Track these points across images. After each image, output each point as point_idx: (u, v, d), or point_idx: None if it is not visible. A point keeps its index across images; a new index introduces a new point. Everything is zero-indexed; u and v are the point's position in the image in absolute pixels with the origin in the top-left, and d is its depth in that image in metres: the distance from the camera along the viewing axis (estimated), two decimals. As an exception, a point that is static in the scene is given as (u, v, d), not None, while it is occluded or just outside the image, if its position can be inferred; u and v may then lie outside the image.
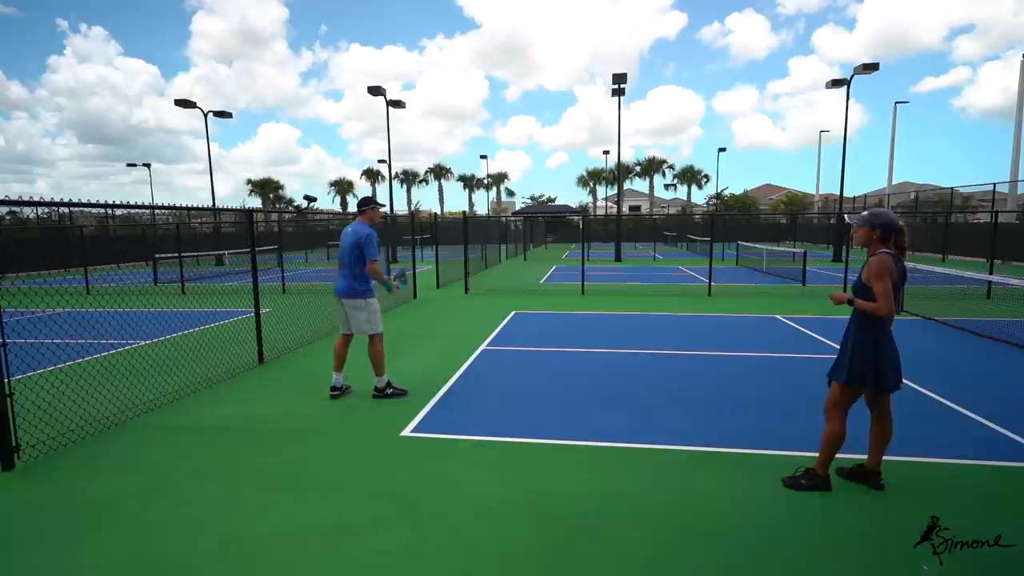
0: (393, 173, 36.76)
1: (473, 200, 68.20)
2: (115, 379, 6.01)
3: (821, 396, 5.35)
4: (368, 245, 5.21)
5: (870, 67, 20.18)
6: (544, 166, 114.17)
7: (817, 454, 3.63)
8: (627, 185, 61.04)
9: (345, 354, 5.56)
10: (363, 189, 69.82)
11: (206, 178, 77.60)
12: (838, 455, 3.58)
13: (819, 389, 5.60)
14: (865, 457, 3.68)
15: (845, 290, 3.59)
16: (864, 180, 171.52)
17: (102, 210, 26.70)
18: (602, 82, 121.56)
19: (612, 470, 3.88)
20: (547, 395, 5.53)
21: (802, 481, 3.58)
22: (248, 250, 7.08)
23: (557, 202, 65.28)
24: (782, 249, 20.37)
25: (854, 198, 34.18)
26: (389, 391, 5.49)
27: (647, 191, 62.08)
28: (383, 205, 5.52)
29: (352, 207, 63.54)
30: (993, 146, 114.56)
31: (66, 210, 25.99)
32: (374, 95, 25.61)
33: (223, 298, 12.70)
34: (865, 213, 3.41)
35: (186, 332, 8.91)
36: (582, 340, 8.03)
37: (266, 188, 58.47)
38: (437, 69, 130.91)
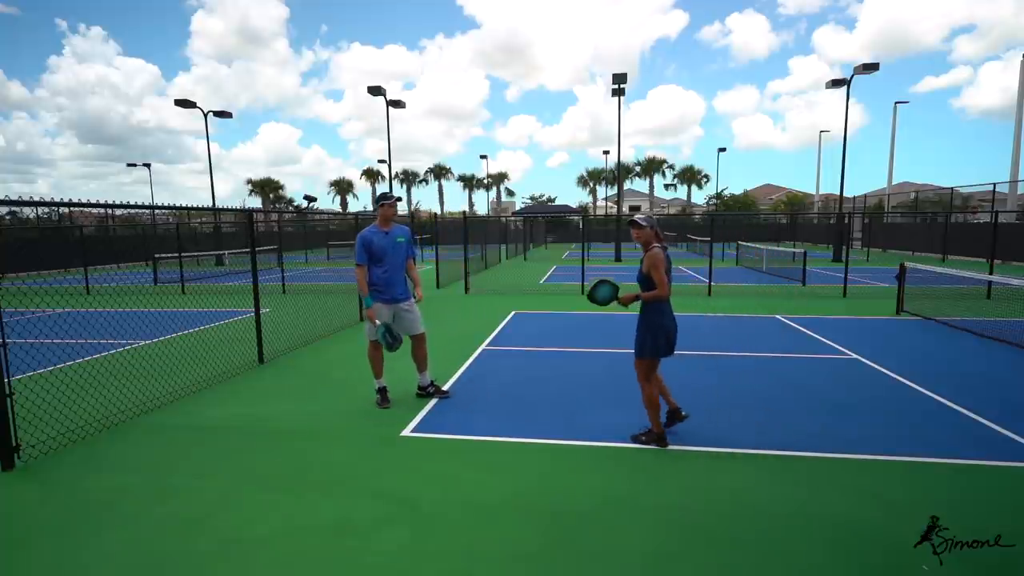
0: (393, 173, 36.79)
1: (473, 200, 68.27)
2: (115, 379, 6.01)
3: (821, 396, 5.37)
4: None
5: (870, 67, 20.19)
6: (544, 166, 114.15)
7: (819, 454, 3.84)
8: (627, 185, 61.06)
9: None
10: (363, 190, 69.89)
11: (206, 178, 77.62)
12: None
13: (819, 389, 5.61)
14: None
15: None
16: (864, 180, 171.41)
17: (102, 210, 26.71)
18: (602, 82, 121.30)
19: (612, 470, 3.88)
20: (547, 395, 5.53)
21: (643, 438, 4.28)
22: (248, 250, 7.08)
23: (557, 202, 65.28)
24: (782, 249, 20.35)
25: (854, 198, 34.19)
26: (431, 389, 5.52)
27: (647, 191, 62.10)
28: (388, 200, 5.12)
29: (352, 207, 63.87)
30: (993, 146, 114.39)
31: (66, 210, 25.99)
32: (374, 95, 25.63)
33: (223, 298, 12.70)
34: (643, 217, 4.09)
35: (186, 332, 8.91)
36: (582, 340, 8.03)
37: (266, 188, 58.52)
38: (437, 69, 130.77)
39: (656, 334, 4.07)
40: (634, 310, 4.33)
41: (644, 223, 4.05)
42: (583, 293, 4.34)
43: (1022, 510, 3.31)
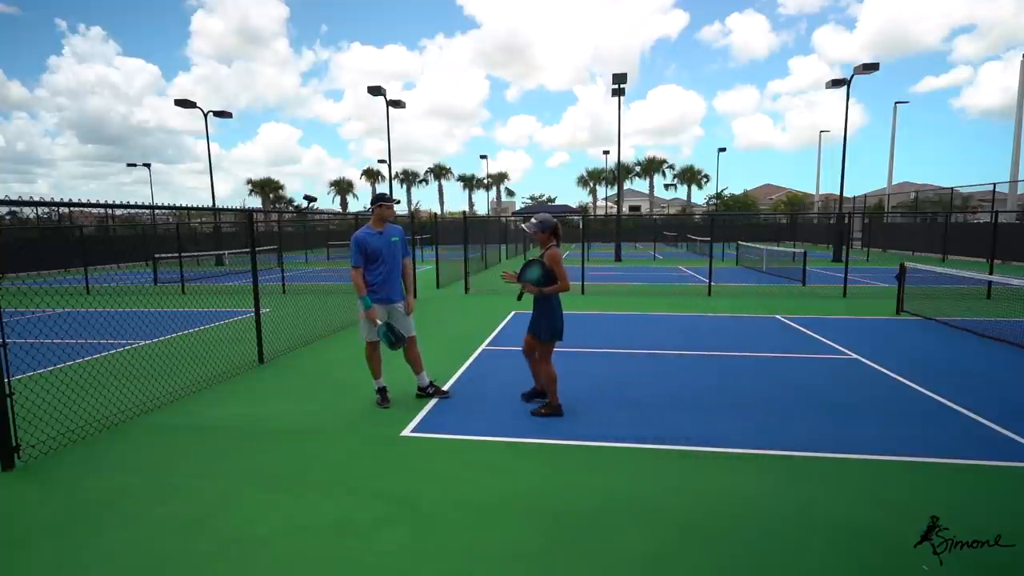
0: (393, 173, 36.79)
1: (473, 200, 68.27)
2: (115, 379, 6.01)
3: (821, 396, 5.38)
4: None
5: (870, 67, 20.19)
6: (544, 166, 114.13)
7: (819, 454, 3.89)
8: (627, 185, 61.05)
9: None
10: (363, 190, 69.85)
11: (206, 178, 77.50)
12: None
13: (819, 389, 5.61)
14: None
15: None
16: (864, 180, 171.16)
17: (102, 210, 26.71)
18: (602, 82, 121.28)
19: (612, 470, 3.88)
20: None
21: (543, 411, 4.87)
22: (248, 250, 7.08)
23: (557, 202, 65.17)
24: (782, 249, 20.36)
25: (854, 198, 34.18)
26: (431, 390, 5.49)
27: (647, 191, 62.09)
28: (387, 200, 5.16)
29: (352, 207, 63.91)
30: (993, 146, 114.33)
31: (66, 210, 25.99)
32: (374, 95, 25.63)
33: (223, 298, 12.70)
34: (534, 222, 4.65)
35: (186, 332, 8.91)
36: (582, 340, 8.03)
37: (266, 188, 58.54)
38: (437, 69, 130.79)
39: (554, 320, 4.66)
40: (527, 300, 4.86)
41: (531, 229, 4.68)
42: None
43: (1022, 510, 3.31)
